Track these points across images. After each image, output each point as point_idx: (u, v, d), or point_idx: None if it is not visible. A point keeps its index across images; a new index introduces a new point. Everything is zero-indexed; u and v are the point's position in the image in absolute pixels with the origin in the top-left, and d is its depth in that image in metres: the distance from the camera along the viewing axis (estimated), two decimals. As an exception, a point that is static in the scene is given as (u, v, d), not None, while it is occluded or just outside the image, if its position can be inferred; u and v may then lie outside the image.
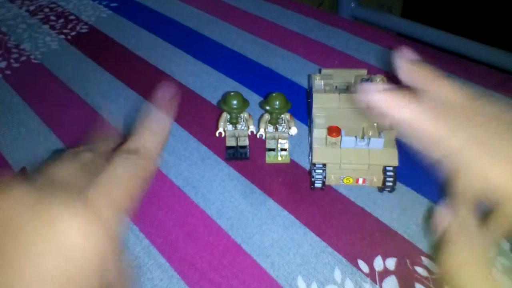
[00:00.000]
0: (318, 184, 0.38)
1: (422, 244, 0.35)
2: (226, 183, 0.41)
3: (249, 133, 0.43)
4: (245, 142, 0.43)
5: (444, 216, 0.25)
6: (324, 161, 0.37)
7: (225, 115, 0.41)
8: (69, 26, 0.68)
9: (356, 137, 0.36)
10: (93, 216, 0.18)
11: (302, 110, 0.48)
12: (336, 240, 0.35)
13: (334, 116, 0.39)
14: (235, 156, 0.43)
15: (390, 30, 1.09)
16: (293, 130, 0.41)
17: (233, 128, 0.42)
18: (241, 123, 0.42)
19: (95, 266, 0.18)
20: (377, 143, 0.36)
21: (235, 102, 0.39)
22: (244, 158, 0.43)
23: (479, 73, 0.53)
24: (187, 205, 0.39)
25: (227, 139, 0.43)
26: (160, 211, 0.39)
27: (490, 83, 0.51)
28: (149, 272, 0.34)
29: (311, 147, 0.40)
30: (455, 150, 0.22)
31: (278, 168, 0.42)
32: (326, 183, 0.39)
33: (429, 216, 0.28)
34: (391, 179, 0.37)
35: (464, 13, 1.29)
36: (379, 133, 0.37)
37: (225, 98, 0.40)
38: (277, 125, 0.41)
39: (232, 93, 0.40)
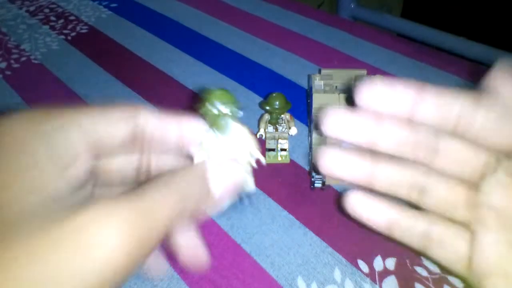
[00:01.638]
0: (318, 184, 0.38)
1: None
2: (226, 183, 0.41)
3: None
4: None
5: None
6: (324, 161, 0.37)
7: None
8: (69, 26, 0.68)
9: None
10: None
11: (302, 110, 0.48)
12: (336, 240, 0.35)
13: (334, 116, 0.38)
14: None
15: (390, 30, 1.09)
16: (293, 130, 0.41)
17: None
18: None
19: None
20: (377, 143, 0.36)
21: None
22: None
23: (479, 73, 0.53)
24: (187, 205, 0.39)
25: None
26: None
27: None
28: (149, 272, 0.34)
29: (311, 147, 0.40)
30: None
31: (278, 168, 0.42)
32: (326, 183, 0.39)
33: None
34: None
35: (464, 13, 1.29)
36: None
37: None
38: (277, 125, 0.41)
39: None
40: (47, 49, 0.63)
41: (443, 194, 0.20)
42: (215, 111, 0.21)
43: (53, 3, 0.75)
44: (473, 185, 0.19)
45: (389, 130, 0.19)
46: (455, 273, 0.20)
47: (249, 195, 0.25)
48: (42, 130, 0.16)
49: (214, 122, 0.21)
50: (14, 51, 0.63)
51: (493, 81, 0.18)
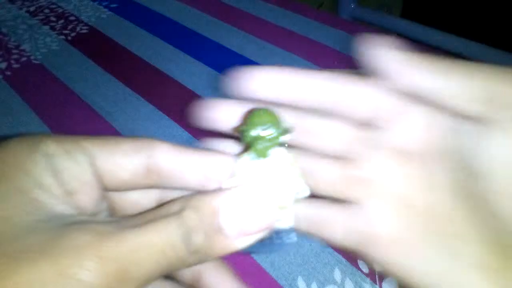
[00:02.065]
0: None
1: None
2: (226, 183, 0.41)
3: None
4: None
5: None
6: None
7: None
8: (69, 26, 0.68)
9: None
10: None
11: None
12: (336, 240, 0.36)
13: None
14: None
15: (390, 30, 1.09)
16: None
17: None
18: None
19: None
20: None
21: None
22: None
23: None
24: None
25: None
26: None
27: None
28: (149, 272, 0.34)
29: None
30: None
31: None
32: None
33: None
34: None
35: (464, 13, 1.29)
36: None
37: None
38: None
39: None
40: (47, 50, 0.63)
41: (325, 174, 0.19)
42: (254, 134, 0.18)
43: (53, 4, 0.75)
44: (353, 160, 0.19)
45: None
46: (355, 253, 0.19)
47: (284, 233, 0.20)
48: (46, 152, 0.15)
49: (252, 146, 0.18)
50: (14, 51, 0.63)
51: (379, 61, 0.18)
